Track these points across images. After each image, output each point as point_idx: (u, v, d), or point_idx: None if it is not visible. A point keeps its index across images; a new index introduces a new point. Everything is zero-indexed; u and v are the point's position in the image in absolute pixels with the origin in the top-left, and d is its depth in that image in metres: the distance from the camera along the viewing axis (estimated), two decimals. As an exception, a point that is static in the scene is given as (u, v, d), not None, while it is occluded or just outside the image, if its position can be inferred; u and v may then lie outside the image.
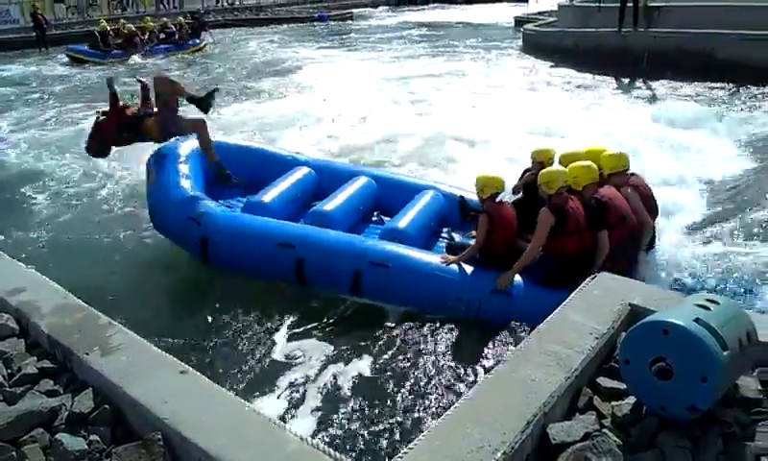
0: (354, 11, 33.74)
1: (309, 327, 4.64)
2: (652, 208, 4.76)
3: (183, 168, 5.89)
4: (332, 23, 30.17)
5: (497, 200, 4.71)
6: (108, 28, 19.47)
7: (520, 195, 5.32)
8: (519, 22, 22.71)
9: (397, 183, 6.45)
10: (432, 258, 4.90)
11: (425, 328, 4.52)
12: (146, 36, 19.65)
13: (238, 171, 6.28)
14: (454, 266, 4.74)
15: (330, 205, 5.74)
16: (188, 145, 6.12)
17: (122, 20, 21.37)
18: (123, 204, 7.24)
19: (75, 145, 8.79)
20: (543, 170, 4.54)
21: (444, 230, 5.90)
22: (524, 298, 4.48)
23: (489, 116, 10.62)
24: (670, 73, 12.82)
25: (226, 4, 33.82)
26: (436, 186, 6.27)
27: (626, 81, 13.50)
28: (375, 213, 6.24)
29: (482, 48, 19.64)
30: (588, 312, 2.68)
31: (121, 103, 6.00)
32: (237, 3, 34.05)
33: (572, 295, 2.82)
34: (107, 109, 5.99)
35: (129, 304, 4.80)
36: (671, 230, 5.50)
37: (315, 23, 30.04)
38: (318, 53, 20.60)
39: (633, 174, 4.81)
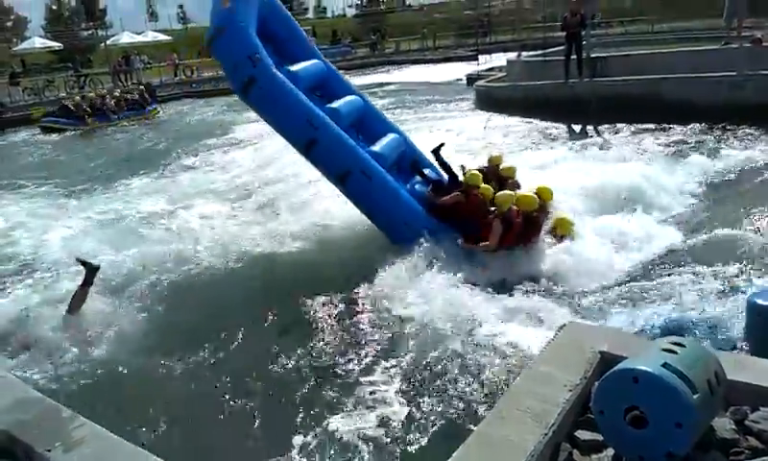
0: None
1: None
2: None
3: (254, 11, 6.83)
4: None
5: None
6: (80, 99, 21.75)
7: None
8: (471, 80, 23.01)
9: (378, 116, 8.26)
10: (400, 187, 6.73)
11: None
12: (113, 102, 21.92)
13: (269, 20, 7.37)
14: (414, 202, 6.65)
15: (337, 104, 7.22)
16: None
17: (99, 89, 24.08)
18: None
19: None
20: (500, 194, 6.42)
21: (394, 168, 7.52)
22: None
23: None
24: (618, 116, 13.34)
25: (183, 77, 34.10)
26: (404, 135, 8.12)
27: (577, 127, 13.99)
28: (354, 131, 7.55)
29: (438, 103, 20.17)
30: (560, 363, 2.67)
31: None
32: (195, 76, 34.33)
33: (542, 348, 2.83)
34: None
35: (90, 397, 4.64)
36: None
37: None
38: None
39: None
